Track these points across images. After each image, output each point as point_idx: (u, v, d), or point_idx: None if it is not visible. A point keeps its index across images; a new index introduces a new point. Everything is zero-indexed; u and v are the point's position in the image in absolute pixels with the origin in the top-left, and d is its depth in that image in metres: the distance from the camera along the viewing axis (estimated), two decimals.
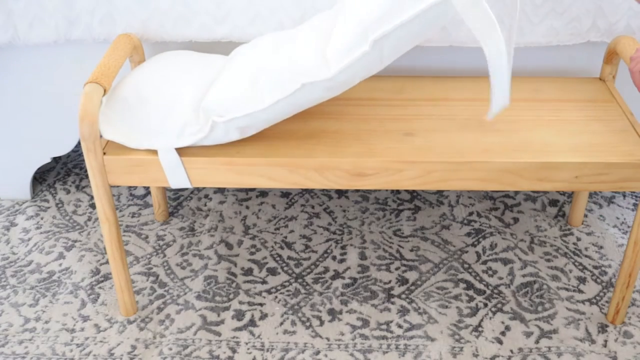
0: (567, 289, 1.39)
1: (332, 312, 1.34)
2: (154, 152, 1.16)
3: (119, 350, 1.27)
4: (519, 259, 1.47)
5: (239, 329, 1.31)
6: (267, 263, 1.47)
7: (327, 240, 1.53)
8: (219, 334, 1.30)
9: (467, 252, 1.49)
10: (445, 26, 1.32)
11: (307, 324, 1.32)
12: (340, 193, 1.68)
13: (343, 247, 1.50)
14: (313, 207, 1.63)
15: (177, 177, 1.16)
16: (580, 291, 1.38)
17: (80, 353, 1.26)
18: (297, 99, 1.11)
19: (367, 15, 1.06)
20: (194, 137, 1.15)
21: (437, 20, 1.05)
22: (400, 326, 1.31)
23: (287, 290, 1.39)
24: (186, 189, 1.69)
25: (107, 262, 1.47)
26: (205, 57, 1.31)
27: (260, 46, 1.20)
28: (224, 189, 1.69)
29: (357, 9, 1.09)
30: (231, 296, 1.38)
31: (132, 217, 1.61)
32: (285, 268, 1.45)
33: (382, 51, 1.07)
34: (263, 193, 1.68)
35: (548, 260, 1.46)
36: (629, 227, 1.55)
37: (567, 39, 1.35)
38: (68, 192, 1.70)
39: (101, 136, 1.19)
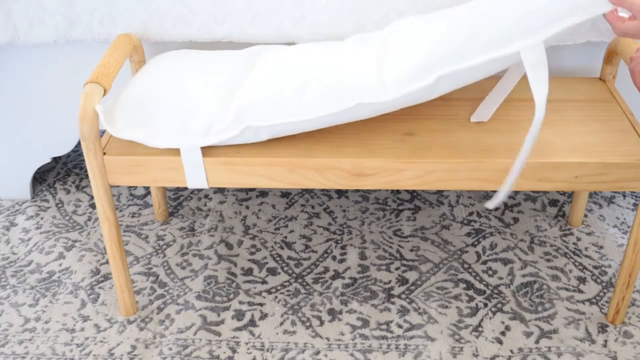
0: (567, 289, 1.39)
1: (332, 312, 1.34)
2: (154, 152, 1.16)
3: (119, 350, 1.27)
4: (519, 259, 1.47)
5: (239, 329, 1.31)
6: (267, 263, 1.47)
7: (327, 240, 1.53)
8: (219, 334, 1.30)
9: (467, 252, 1.49)
10: None
11: (307, 324, 1.32)
12: (340, 193, 1.68)
13: (343, 247, 1.50)
14: (313, 207, 1.63)
15: (197, 176, 1.16)
16: (580, 291, 1.38)
17: (80, 353, 1.26)
18: (342, 115, 1.11)
19: (433, 50, 1.07)
20: (222, 136, 1.13)
21: (500, 66, 1.07)
22: (400, 326, 1.31)
23: (287, 290, 1.39)
24: (186, 188, 1.69)
25: (107, 262, 1.47)
26: (213, 54, 1.29)
27: (303, 54, 1.19)
28: (224, 189, 1.69)
29: (419, 41, 1.10)
30: (231, 296, 1.38)
31: (132, 217, 1.61)
32: (285, 268, 1.45)
33: (439, 86, 1.09)
34: (263, 193, 1.68)
35: (548, 260, 1.46)
36: (629, 227, 1.55)
37: (567, 39, 1.35)
38: (68, 192, 1.70)
39: (101, 136, 1.19)
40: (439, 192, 1.67)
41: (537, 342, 1.27)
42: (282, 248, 1.51)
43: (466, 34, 1.07)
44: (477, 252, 1.48)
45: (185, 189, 1.70)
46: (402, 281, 1.41)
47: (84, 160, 1.82)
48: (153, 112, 1.16)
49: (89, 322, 1.33)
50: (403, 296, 1.38)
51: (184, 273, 1.44)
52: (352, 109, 1.11)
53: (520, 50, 1.04)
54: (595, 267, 1.44)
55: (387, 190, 1.68)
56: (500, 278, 1.42)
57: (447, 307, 1.35)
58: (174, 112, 1.15)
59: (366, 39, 1.21)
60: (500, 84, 1.28)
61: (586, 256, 1.47)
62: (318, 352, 1.26)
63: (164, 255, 1.49)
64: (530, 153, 1.09)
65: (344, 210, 1.62)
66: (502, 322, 1.31)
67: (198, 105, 1.14)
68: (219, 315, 1.34)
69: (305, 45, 1.24)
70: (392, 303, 1.36)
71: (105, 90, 1.15)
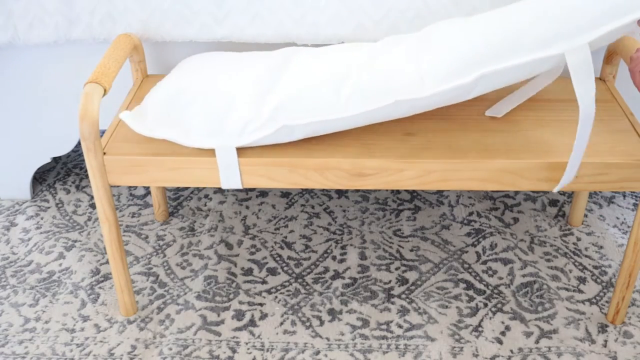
0: (567, 289, 1.39)
1: (332, 312, 1.34)
2: (154, 152, 1.16)
3: (119, 350, 1.27)
4: (519, 259, 1.47)
5: (239, 329, 1.31)
6: (267, 263, 1.47)
7: (327, 240, 1.53)
8: (219, 334, 1.30)
9: (467, 252, 1.49)
10: None
11: (307, 324, 1.32)
12: (340, 193, 1.68)
13: (343, 247, 1.50)
14: (313, 207, 1.63)
15: (231, 176, 1.15)
16: (580, 291, 1.38)
17: (80, 353, 1.26)
18: (380, 113, 1.11)
19: (475, 49, 1.06)
20: (256, 135, 1.12)
21: (542, 67, 1.06)
22: (400, 326, 1.31)
23: (287, 290, 1.39)
24: (186, 188, 1.69)
25: (107, 262, 1.47)
26: (243, 55, 1.27)
27: (337, 53, 1.19)
28: (224, 189, 1.69)
29: (460, 39, 1.09)
30: (231, 296, 1.38)
31: (132, 217, 1.61)
32: (285, 268, 1.45)
33: (478, 85, 1.08)
34: (263, 193, 1.68)
35: (548, 260, 1.46)
36: (629, 227, 1.55)
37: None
38: (68, 192, 1.70)
39: (101, 136, 1.19)
40: (439, 192, 1.67)
41: (537, 342, 1.27)
42: (282, 248, 1.51)
43: (510, 33, 1.05)
44: (477, 252, 1.48)
45: (186, 189, 1.70)
46: (402, 281, 1.41)
47: (84, 160, 1.82)
48: (186, 111, 1.15)
49: (89, 322, 1.33)
50: (403, 296, 1.38)
51: (184, 273, 1.44)
52: (389, 106, 1.09)
53: (564, 52, 1.02)
54: (595, 267, 1.44)
55: (387, 190, 1.68)
56: (500, 278, 1.42)
57: (447, 307, 1.35)
58: (207, 112, 1.14)
59: (402, 38, 1.19)
60: (529, 85, 1.27)
61: (586, 256, 1.47)
62: (318, 352, 1.26)
63: (164, 255, 1.49)
64: (581, 153, 1.08)
65: (344, 210, 1.62)
66: (502, 322, 1.31)
67: (232, 105, 1.13)
68: (219, 315, 1.34)
69: (338, 45, 1.23)
70: (392, 303, 1.36)
71: (105, 90, 1.15)
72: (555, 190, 1.13)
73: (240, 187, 1.16)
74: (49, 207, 1.64)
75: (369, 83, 1.10)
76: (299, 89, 1.13)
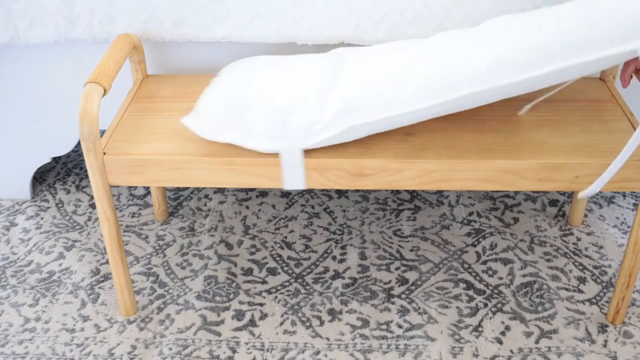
0: (567, 289, 1.39)
1: (332, 312, 1.34)
2: (154, 152, 1.16)
3: (119, 350, 1.27)
4: (519, 259, 1.47)
5: (239, 329, 1.31)
6: (267, 263, 1.47)
7: (327, 240, 1.53)
8: (219, 334, 1.30)
9: (467, 252, 1.49)
10: (440, 24, 1.32)
11: (307, 324, 1.32)
12: (340, 193, 1.68)
13: (343, 247, 1.50)
14: (313, 207, 1.63)
15: (295, 177, 1.14)
16: (580, 291, 1.38)
17: (80, 353, 1.26)
18: (450, 105, 1.10)
19: (547, 43, 1.05)
20: (323, 136, 1.12)
21: (609, 64, 1.06)
22: (400, 326, 1.31)
23: (287, 290, 1.39)
24: (186, 188, 1.69)
25: (107, 262, 1.47)
26: (290, 58, 1.26)
27: (393, 50, 1.18)
28: (224, 189, 1.69)
29: (530, 32, 1.08)
30: (231, 296, 1.38)
31: (132, 217, 1.61)
32: (285, 268, 1.45)
33: (549, 77, 1.07)
34: (263, 193, 1.68)
35: (548, 260, 1.46)
36: (629, 227, 1.55)
37: None
38: (68, 192, 1.70)
39: (102, 136, 1.19)
40: (439, 192, 1.67)
41: (537, 342, 1.27)
42: (282, 248, 1.51)
43: (581, 29, 1.04)
44: (477, 252, 1.48)
45: (186, 189, 1.70)
46: (402, 281, 1.41)
47: (84, 160, 1.82)
48: (247, 115, 1.14)
49: (89, 322, 1.33)
50: (403, 296, 1.38)
51: (184, 273, 1.44)
52: (460, 98, 1.08)
53: (638, 48, 1.02)
54: (595, 267, 1.44)
55: (387, 190, 1.68)
56: (500, 278, 1.42)
57: (447, 307, 1.35)
58: (269, 115, 1.13)
59: (455, 34, 1.17)
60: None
61: (586, 256, 1.47)
62: (318, 352, 1.26)
63: (164, 255, 1.49)
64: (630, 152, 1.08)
65: (344, 210, 1.62)
66: (502, 322, 1.31)
67: (294, 107, 1.12)
68: (219, 315, 1.34)
69: (389, 43, 1.22)
70: (392, 303, 1.36)
71: (105, 90, 1.15)
72: (585, 194, 1.12)
73: (303, 187, 1.16)
74: (49, 207, 1.64)
75: (437, 76, 1.09)
76: (361, 87, 1.11)
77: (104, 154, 1.16)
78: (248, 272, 1.44)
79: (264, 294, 1.39)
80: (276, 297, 1.38)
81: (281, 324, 1.32)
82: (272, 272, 1.44)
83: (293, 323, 1.32)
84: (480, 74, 1.07)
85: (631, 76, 1.18)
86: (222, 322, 1.32)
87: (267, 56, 1.29)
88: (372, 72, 1.14)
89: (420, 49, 1.15)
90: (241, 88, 1.17)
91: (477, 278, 1.42)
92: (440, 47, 1.14)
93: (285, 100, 1.14)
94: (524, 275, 1.42)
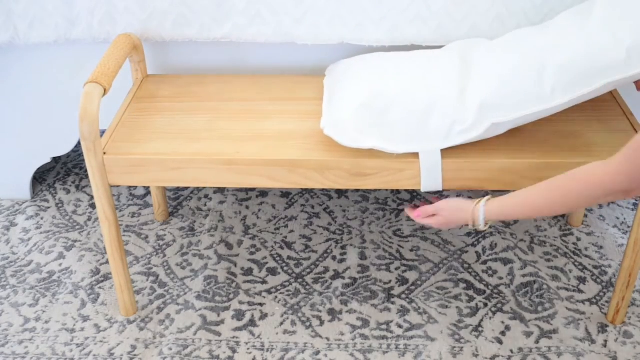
0: (567, 289, 1.39)
1: (332, 312, 1.34)
2: (154, 152, 1.16)
3: (119, 350, 1.27)
4: (519, 259, 1.46)
5: (239, 329, 1.31)
6: (267, 263, 1.47)
7: (327, 240, 1.53)
8: (219, 334, 1.30)
9: (467, 252, 1.49)
10: (440, 24, 1.32)
11: (307, 324, 1.32)
12: (340, 193, 1.68)
13: (343, 247, 1.50)
14: (313, 207, 1.63)
15: (432, 179, 1.13)
16: (580, 291, 1.38)
17: (80, 353, 1.26)
18: (588, 96, 1.08)
19: None
20: (465, 137, 1.11)
21: None
22: (400, 326, 1.31)
23: (287, 290, 1.39)
24: (186, 188, 1.69)
25: (107, 262, 1.47)
26: (404, 55, 1.25)
27: (516, 41, 1.16)
28: (224, 189, 1.69)
29: None
30: (231, 296, 1.38)
31: (132, 217, 1.61)
32: (285, 268, 1.45)
33: None
34: (263, 193, 1.68)
35: (548, 260, 1.46)
36: (629, 227, 1.55)
37: None
38: (68, 192, 1.70)
39: (102, 136, 1.18)
40: (439, 192, 1.67)
41: (537, 342, 1.27)
42: (282, 248, 1.51)
43: None
44: (477, 252, 1.48)
45: (186, 189, 1.70)
46: (402, 281, 1.41)
47: (84, 160, 1.81)
48: (385, 117, 1.13)
49: (89, 322, 1.33)
50: (403, 296, 1.37)
51: (184, 273, 1.44)
52: (594, 90, 1.07)
53: None
54: (595, 267, 1.44)
55: (387, 190, 1.68)
56: (500, 278, 1.42)
57: (447, 307, 1.35)
58: (408, 116, 1.12)
59: (573, 19, 1.14)
60: None
61: (586, 256, 1.47)
62: (318, 352, 1.26)
63: (164, 255, 1.49)
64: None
65: (344, 210, 1.62)
66: (502, 322, 1.31)
67: (432, 107, 1.12)
68: (219, 315, 1.34)
69: (510, 34, 1.20)
70: (392, 303, 1.36)
71: (105, 90, 1.15)
72: None
73: (440, 189, 1.14)
74: (49, 207, 1.64)
75: (572, 69, 1.07)
76: (499, 84, 1.10)
77: (104, 154, 1.16)
78: (248, 272, 1.44)
79: (264, 294, 1.39)
80: (276, 297, 1.38)
81: (281, 324, 1.32)
82: (272, 272, 1.44)
83: (293, 323, 1.32)
84: (617, 64, 1.05)
85: None
86: (222, 322, 1.32)
87: (377, 53, 1.28)
88: (504, 68, 1.12)
89: (546, 40, 1.12)
90: (376, 89, 1.16)
91: (477, 278, 1.42)
92: (568, 37, 1.11)
93: (425, 100, 1.12)
94: (524, 275, 1.42)
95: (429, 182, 1.14)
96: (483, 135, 1.12)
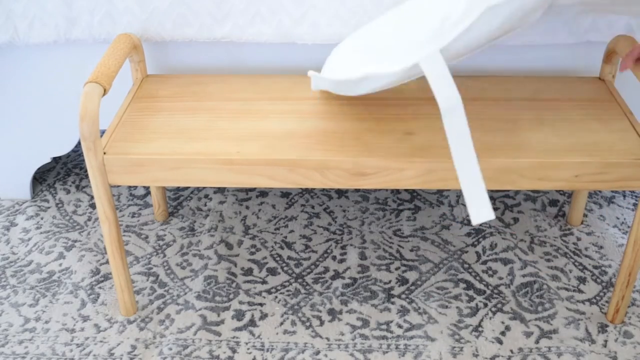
0: (567, 289, 1.39)
1: (332, 312, 1.34)
2: (154, 152, 1.16)
3: (119, 350, 1.27)
4: (519, 259, 1.47)
5: (239, 329, 1.31)
6: (267, 263, 1.47)
7: (327, 240, 1.53)
8: (219, 334, 1.30)
9: (467, 252, 1.49)
10: None
11: (307, 324, 1.32)
12: (340, 193, 1.68)
13: (343, 247, 1.50)
14: (313, 207, 1.63)
15: (446, 85, 1.00)
16: (580, 291, 1.38)
17: (80, 353, 1.26)
18: None
19: None
20: (459, 28, 0.99)
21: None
22: (400, 326, 1.31)
23: (287, 290, 1.39)
24: (186, 188, 1.69)
25: (107, 262, 1.47)
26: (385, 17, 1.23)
27: None
28: (224, 189, 1.69)
29: None
30: (231, 296, 1.38)
31: (132, 217, 1.61)
32: (285, 268, 1.45)
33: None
34: (263, 193, 1.68)
35: (548, 260, 1.46)
36: (629, 227, 1.55)
37: (565, 38, 1.35)
38: (68, 192, 1.70)
39: (101, 136, 1.19)
40: (439, 192, 1.67)
41: (537, 342, 1.27)
42: (282, 248, 1.51)
43: None
44: (477, 252, 1.48)
45: (186, 188, 1.70)
46: (402, 281, 1.41)
47: (84, 160, 1.82)
48: (374, 47, 1.10)
49: (89, 322, 1.33)
50: (403, 296, 1.38)
51: (184, 273, 1.44)
52: None
53: None
54: (595, 267, 1.44)
55: (387, 190, 1.68)
56: (500, 278, 1.42)
57: (447, 307, 1.35)
58: (394, 33, 1.08)
59: None
60: None
61: (586, 256, 1.47)
62: (318, 352, 1.26)
63: (164, 255, 1.49)
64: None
65: (344, 210, 1.62)
66: (502, 322, 1.31)
67: (422, 19, 1.05)
68: (219, 315, 1.34)
69: None
70: (392, 303, 1.36)
71: (105, 90, 1.15)
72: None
73: (459, 103, 1.02)
74: (49, 207, 1.64)
75: None
76: None
77: (104, 153, 1.16)
78: (248, 272, 1.44)
79: (264, 294, 1.39)
80: (276, 297, 1.38)
81: (281, 324, 1.32)
82: (272, 272, 1.44)
83: (293, 323, 1.32)
84: None
85: (633, 61, 1.16)
86: (222, 322, 1.32)
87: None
88: None
89: None
90: (369, 36, 1.15)
91: (477, 278, 1.42)
92: None
93: (413, 19, 1.09)
94: (524, 275, 1.42)
95: (443, 92, 1.01)
96: (481, 28, 0.99)
